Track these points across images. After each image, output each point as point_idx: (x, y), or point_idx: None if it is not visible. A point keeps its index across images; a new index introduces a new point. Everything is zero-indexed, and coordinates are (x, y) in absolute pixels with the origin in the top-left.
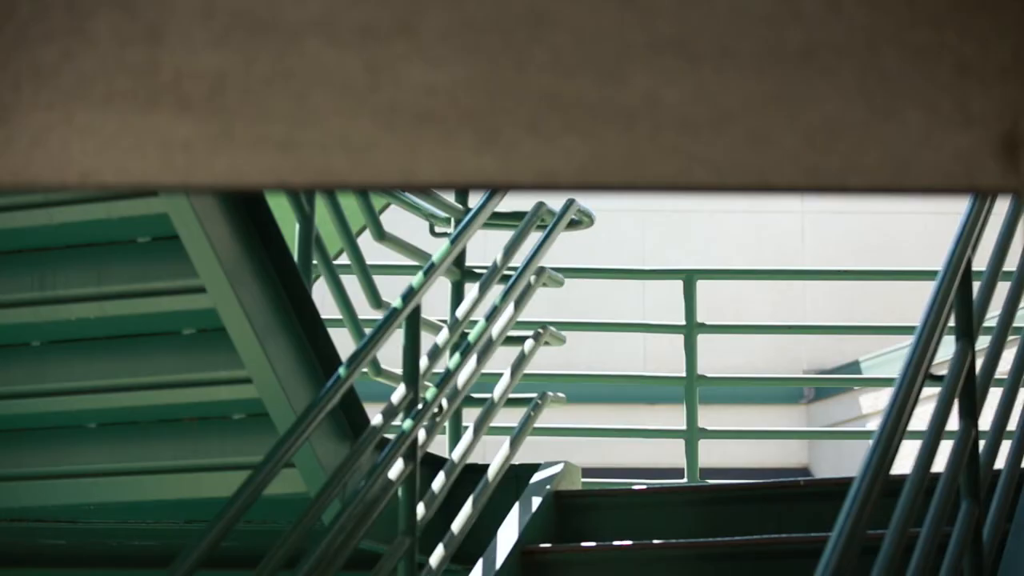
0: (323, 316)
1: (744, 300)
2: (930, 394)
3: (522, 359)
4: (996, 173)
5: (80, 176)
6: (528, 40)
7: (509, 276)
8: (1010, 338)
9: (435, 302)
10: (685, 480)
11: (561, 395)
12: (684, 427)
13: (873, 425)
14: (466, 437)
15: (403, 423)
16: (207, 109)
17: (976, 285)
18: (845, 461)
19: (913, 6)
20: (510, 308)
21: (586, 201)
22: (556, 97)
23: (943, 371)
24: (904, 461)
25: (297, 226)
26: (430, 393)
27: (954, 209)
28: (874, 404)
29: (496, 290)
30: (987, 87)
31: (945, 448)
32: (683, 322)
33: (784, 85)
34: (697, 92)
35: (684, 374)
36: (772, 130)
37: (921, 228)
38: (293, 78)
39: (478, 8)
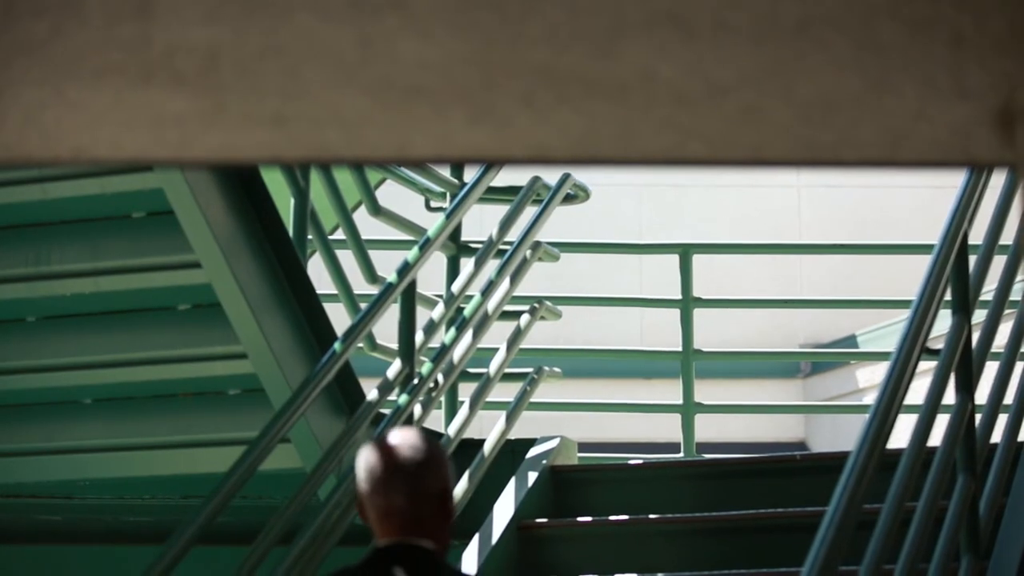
0: (319, 291)
1: (741, 275)
2: (928, 368)
3: (518, 334)
4: (992, 146)
5: (73, 152)
6: (522, 14)
7: (505, 251)
8: (1007, 311)
9: (431, 277)
10: (681, 455)
11: (557, 370)
12: (680, 402)
13: (870, 399)
14: (462, 412)
15: (399, 398)
16: (200, 84)
17: (972, 259)
18: (842, 435)
19: None
20: (506, 283)
21: (582, 176)
22: (550, 71)
23: (940, 345)
24: (901, 435)
25: (292, 201)
26: (426, 368)
27: (952, 183)
28: (870, 378)
29: (492, 264)
30: (983, 60)
31: (942, 422)
32: (679, 296)
33: (779, 58)
34: (692, 66)
35: (680, 349)
36: (767, 104)
37: (918, 202)
38: (285, 53)
39: None
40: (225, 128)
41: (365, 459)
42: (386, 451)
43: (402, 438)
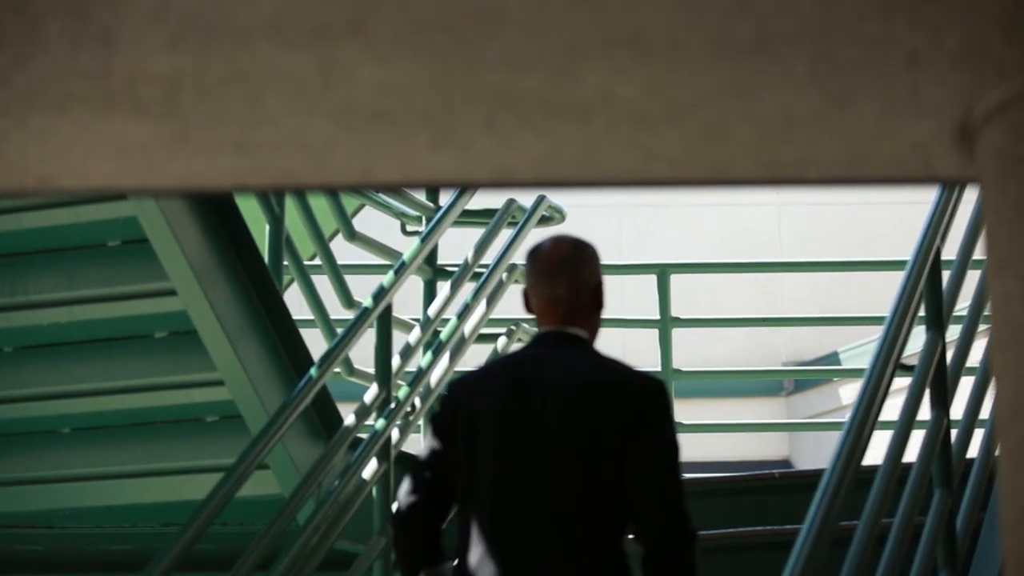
0: (295, 317)
1: (723, 293)
2: (905, 385)
3: (495, 357)
4: (953, 162)
5: (39, 181)
6: (479, 37)
7: (481, 274)
8: (982, 327)
9: (410, 300)
10: None
11: None
12: None
13: None
14: None
15: (376, 422)
16: (162, 112)
17: (946, 274)
18: (825, 452)
19: None
20: (482, 305)
21: (560, 196)
22: (510, 94)
23: (915, 361)
24: (878, 452)
25: (267, 227)
26: (403, 392)
27: (930, 199)
28: (853, 395)
29: (469, 288)
30: (939, 77)
31: (918, 438)
32: (658, 317)
33: (737, 77)
34: (651, 86)
35: (659, 369)
36: (728, 122)
37: (899, 218)
38: (247, 80)
39: (427, 6)
40: (190, 156)
41: (533, 255)
42: (553, 247)
43: (565, 238)
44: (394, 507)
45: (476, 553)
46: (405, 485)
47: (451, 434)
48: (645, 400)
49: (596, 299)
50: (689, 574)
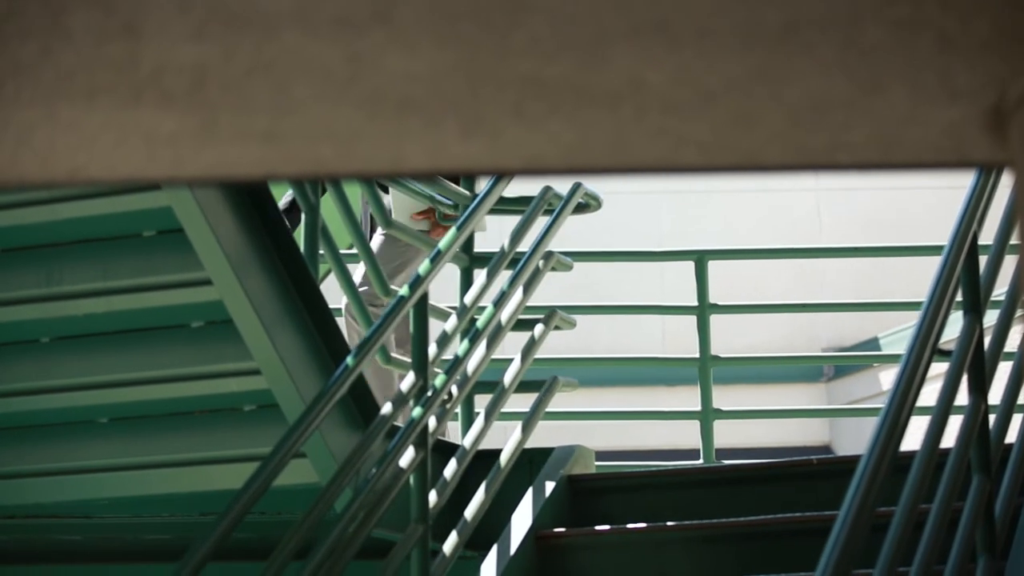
0: (332, 305)
1: (763, 279)
2: (943, 371)
3: (532, 344)
4: (985, 146)
5: (67, 173)
6: (506, 25)
7: (518, 261)
8: (1020, 312)
9: (447, 288)
10: (700, 461)
11: (572, 380)
12: (699, 408)
13: None
14: (477, 423)
15: (413, 410)
16: (189, 102)
17: (983, 259)
18: (866, 438)
19: None
20: (518, 293)
21: (600, 183)
22: (538, 82)
23: (952, 346)
24: (916, 437)
25: (303, 216)
26: (439, 380)
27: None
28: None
29: (505, 275)
30: (970, 61)
31: (955, 423)
32: (696, 303)
33: (766, 63)
34: (680, 73)
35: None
36: (757, 109)
37: (937, 202)
38: (273, 69)
39: None
40: (218, 145)
41: None
42: None
43: None
44: None
45: None
46: None
47: None
48: None
49: None
50: None
